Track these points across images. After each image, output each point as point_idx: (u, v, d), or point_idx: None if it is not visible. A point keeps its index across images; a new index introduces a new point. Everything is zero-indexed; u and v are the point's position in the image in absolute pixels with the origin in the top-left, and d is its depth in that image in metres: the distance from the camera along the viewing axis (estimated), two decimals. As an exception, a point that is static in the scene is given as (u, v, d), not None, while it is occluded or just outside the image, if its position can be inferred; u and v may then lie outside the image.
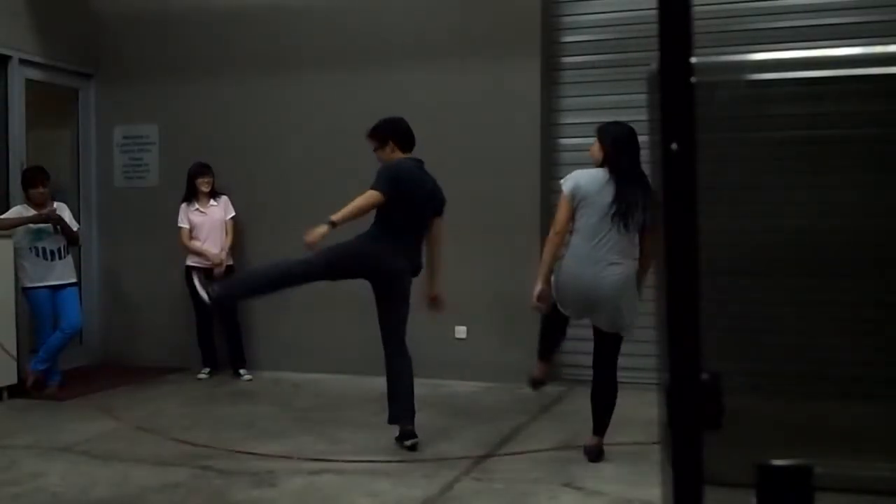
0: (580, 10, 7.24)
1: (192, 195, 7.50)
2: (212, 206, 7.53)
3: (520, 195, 7.14)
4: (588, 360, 7.06)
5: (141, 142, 8.26)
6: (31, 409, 6.46)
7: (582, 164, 6.69)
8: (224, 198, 7.59)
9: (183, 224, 7.47)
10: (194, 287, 7.57)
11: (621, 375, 5.04)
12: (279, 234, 7.60)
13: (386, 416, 5.41)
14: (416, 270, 5.42)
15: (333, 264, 5.23)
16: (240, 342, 7.62)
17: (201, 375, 7.57)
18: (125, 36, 8.23)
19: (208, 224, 7.49)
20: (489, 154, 7.16)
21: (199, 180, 7.46)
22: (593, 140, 5.08)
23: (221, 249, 7.50)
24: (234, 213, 7.61)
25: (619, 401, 4.97)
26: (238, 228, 7.68)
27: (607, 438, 5.02)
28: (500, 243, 7.19)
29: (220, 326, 7.62)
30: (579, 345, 7.22)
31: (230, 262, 7.54)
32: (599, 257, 4.83)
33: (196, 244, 7.45)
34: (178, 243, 7.50)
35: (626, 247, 4.87)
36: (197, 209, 7.49)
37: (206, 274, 7.44)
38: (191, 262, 7.48)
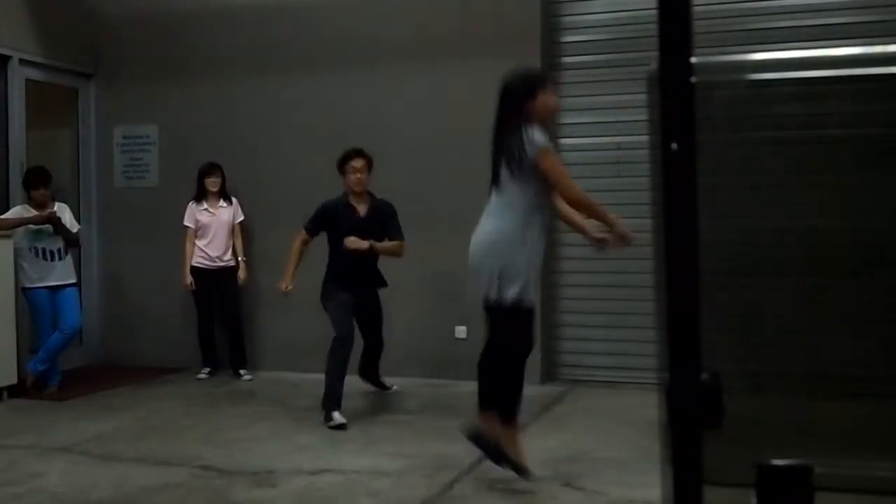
0: (580, 10, 7.22)
1: (201, 195, 7.50)
2: (221, 207, 7.52)
3: (520, 195, 7.11)
4: (589, 359, 7.12)
5: (141, 142, 8.25)
6: (31, 409, 6.46)
7: (582, 163, 6.72)
8: (235, 201, 7.59)
9: (188, 223, 7.47)
10: (196, 287, 7.61)
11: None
12: (280, 233, 7.59)
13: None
14: None
15: None
16: (240, 342, 7.62)
17: (201, 375, 7.56)
18: (125, 36, 8.22)
19: (215, 224, 7.47)
20: (489, 155, 7.13)
21: (208, 179, 7.45)
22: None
23: (225, 252, 7.51)
24: (242, 217, 7.61)
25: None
26: (245, 232, 7.68)
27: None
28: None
29: (220, 326, 7.62)
30: (579, 345, 7.22)
31: (241, 260, 7.53)
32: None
33: (188, 248, 7.44)
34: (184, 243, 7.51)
35: (496, 204, 4.67)
36: (205, 209, 7.48)
37: (210, 275, 7.47)
38: (194, 262, 7.48)
